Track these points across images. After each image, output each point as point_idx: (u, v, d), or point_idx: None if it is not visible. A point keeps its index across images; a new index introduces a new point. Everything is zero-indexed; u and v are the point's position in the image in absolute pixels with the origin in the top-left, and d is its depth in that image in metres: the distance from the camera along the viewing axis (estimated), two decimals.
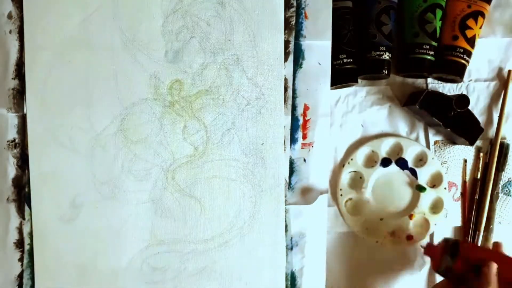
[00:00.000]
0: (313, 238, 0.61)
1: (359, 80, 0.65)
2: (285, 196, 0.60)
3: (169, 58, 0.58)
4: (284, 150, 0.60)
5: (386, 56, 0.63)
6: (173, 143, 0.59)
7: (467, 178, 0.67)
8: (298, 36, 0.59)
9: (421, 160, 0.66)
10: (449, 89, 0.67)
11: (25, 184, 0.58)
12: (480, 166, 0.66)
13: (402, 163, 0.66)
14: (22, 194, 0.58)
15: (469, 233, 0.66)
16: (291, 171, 0.61)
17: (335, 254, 0.65)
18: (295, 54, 0.60)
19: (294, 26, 0.59)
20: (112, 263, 0.59)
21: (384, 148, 0.66)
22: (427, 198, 0.66)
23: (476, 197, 0.66)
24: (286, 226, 0.61)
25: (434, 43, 0.63)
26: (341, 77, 0.63)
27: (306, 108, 0.60)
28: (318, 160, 0.61)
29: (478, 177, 0.66)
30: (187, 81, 0.59)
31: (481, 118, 0.65)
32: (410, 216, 0.65)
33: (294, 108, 0.60)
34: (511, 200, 0.66)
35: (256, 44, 0.59)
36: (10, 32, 0.58)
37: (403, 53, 0.65)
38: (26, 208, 0.58)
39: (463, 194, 0.67)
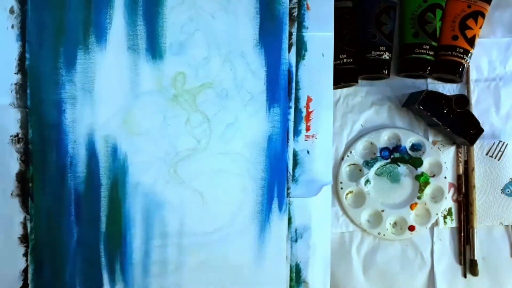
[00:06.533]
0: (318, 230, 0.61)
1: (359, 80, 0.65)
2: (289, 188, 0.60)
3: (173, 50, 0.58)
4: (288, 142, 0.60)
5: (386, 56, 0.63)
6: (176, 136, 0.59)
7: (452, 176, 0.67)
8: (300, 27, 0.59)
9: (420, 150, 0.67)
10: (448, 89, 0.67)
11: (29, 178, 0.58)
12: (461, 163, 0.66)
13: (400, 149, 0.66)
14: (26, 189, 0.58)
15: (462, 231, 0.66)
16: (295, 163, 0.61)
17: (335, 255, 0.65)
18: (298, 45, 0.59)
19: (296, 18, 0.59)
20: (112, 255, 0.59)
21: (382, 139, 0.66)
22: (427, 188, 0.66)
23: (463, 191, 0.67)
24: (290, 218, 0.61)
25: (434, 43, 0.64)
26: (341, 77, 0.63)
27: (309, 99, 0.60)
28: (322, 151, 0.61)
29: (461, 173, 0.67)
30: (191, 74, 0.58)
31: (481, 118, 0.65)
32: (411, 206, 0.66)
33: (297, 100, 0.60)
34: None
35: (261, 37, 0.59)
36: (12, 27, 0.58)
37: (403, 53, 0.65)
38: (31, 203, 0.58)
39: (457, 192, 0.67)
